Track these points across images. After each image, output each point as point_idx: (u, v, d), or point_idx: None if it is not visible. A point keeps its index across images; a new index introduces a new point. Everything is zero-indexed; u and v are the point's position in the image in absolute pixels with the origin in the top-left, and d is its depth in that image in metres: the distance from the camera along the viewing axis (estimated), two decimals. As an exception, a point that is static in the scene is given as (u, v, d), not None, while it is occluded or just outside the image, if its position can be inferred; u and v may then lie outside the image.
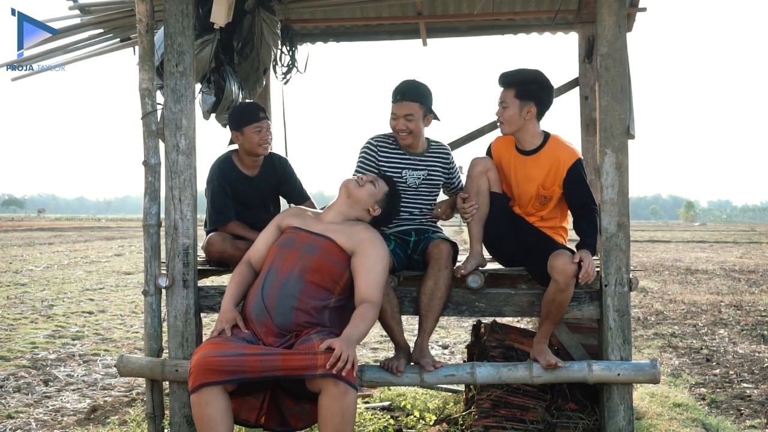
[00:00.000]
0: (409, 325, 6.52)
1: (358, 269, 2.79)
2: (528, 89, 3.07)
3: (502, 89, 3.14)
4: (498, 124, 3.17)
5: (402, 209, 3.25)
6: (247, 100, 3.59)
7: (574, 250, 3.03)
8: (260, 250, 2.96)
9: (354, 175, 3.20)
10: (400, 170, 3.28)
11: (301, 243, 2.84)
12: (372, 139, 3.36)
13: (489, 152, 3.28)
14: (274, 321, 2.70)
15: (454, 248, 3.16)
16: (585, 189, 3.11)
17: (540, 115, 3.13)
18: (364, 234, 2.88)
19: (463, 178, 3.39)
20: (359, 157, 3.33)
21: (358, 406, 3.23)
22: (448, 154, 3.44)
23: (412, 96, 3.18)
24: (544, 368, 3.03)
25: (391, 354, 3.25)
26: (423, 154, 3.33)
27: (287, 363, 2.48)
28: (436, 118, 3.29)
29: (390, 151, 3.31)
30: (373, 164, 3.30)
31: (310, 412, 2.72)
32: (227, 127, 3.58)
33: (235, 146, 3.54)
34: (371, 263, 2.80)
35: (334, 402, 2.45)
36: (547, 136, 3.15)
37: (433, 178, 3.34)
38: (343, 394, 2.45)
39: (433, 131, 3.44)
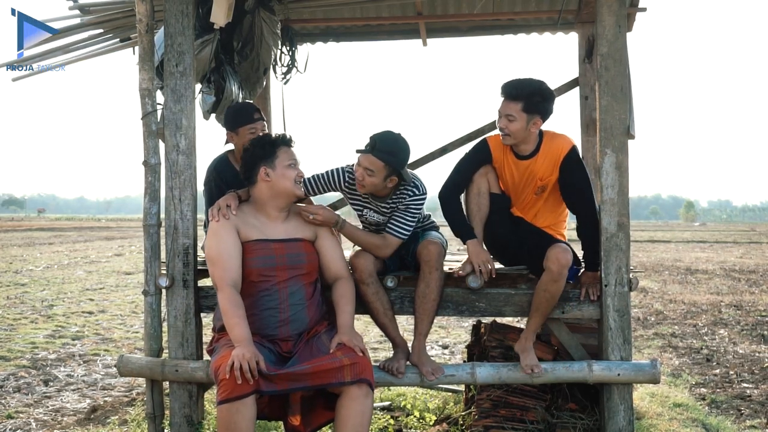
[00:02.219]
0: (410, 324, 6.53)
1: (324, 250, 2.95)
2: (535, 102, 3.04)
3: (505, 100, 3.08)
4: (501, 135, 3.13)
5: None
6: (243, 101, 3.56)
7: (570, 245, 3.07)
8: (238, 269, 2.74)
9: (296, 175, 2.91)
10: (361, 209, 3.22)
11: (281, 257, 2.79)
12: (346, 172, 3.13)
13: (486, 148, 3.25)
14: (290, 331, 2.78)
15: (444, 248, 3.14)
16: (583, 177, 3.12)
17: (543, 122, 3.13)
18: None
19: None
20: (329, 171, 3.16)
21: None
22: (407, 197, 3.07)
23: (381, 153, 2.91)
24: (522, 368, 3.05)
25: (390, 353, 3.25)
26: (386, 199, 3.11)
27: (316, 377, 2.57)
28: (402, 179, 3.00)
29: (355, 188, 3.14)
30: (330, 187, 3.17)
31: (314, 416, 2.77)
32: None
33: (232, 146, 3.54)
34: (330, 241, 2.97)
35: (355, 403, 2.56)
36: (540, 135, 3.16)
37: None
38: (364, 396, 2.57)
39: (429, 136, 3.30)
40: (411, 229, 3.10)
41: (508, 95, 3.07)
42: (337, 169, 3.16)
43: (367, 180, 2.96)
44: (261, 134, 3.40)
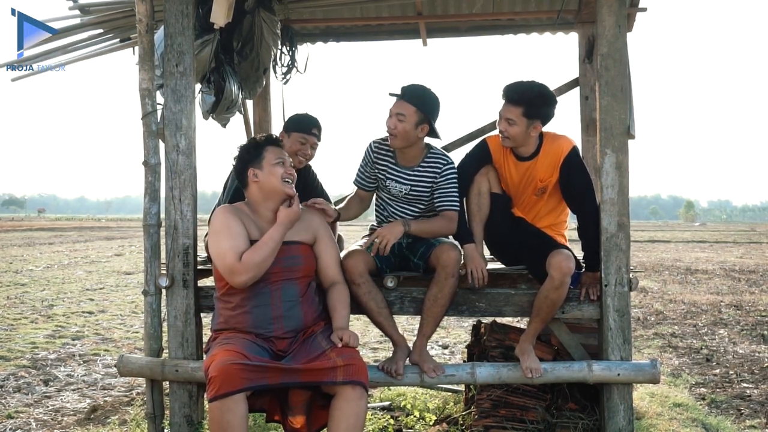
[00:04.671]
0: (410, 324, 6.53)
1: (322, 255, 2.95)
2: (536, 107, 3.04)
3: (506, 103, 3.07)
4: (501, 137, 3.14)
5: (388, 216, 3.32)
6: (309, 114, 3.54)
7: (572, 249, 3.06)
8: (245, 244, 2.74)
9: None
10: (384, 179, 3.28)
11: (278, 259, 2.77)
12: (373, 142, 3.32)
13: (486, 148, 3.26)
14: (285, 328, 2.76)
15: (460, 253, 3.15)
16: (584, 177, 3.12)
17: (543, 126, 3.13)
18: (315, 220, 2.98)
19: None
20: (361, 160, 3.36)
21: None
22: (442, 166, 3.18)
23: (412, 98, 3.06)
24: (522, 370, 3.05)
25: (390, 353, 3.25)
26: (413, 168, 3.20)
27: (307, 374, 2.57)
28: (434, 133, 3.13)
29: (383, 156, 3.28)
30: (368, 168, 3.33)
31: (314, 418, 2.77)
32: (226, 127, 3.58)
33: None
34: (329, 245, 2.97)
35: (349, 404, 2.55)
36: (540, 136, 3.16)
37: (417, 192, 3.22)
38: (359, 397, 2.56)
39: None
40: (458, 198, 3.18)
41: (509, 99, 3.06)
42: (366, 151, 3.32)
43: (400, 127, 3.04)
44: (309, 149, 3.44)
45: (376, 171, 3.31)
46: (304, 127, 3.44)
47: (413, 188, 3.22)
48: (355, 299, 3.06)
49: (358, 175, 3.37)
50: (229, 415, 2.44)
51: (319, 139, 3.49)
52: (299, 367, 2.56)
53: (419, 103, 3.06)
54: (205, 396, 3.47)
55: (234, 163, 2.92)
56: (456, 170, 3.19)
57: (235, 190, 3.30)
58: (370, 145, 3.31)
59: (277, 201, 2.85)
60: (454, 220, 3.16)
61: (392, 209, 3.31)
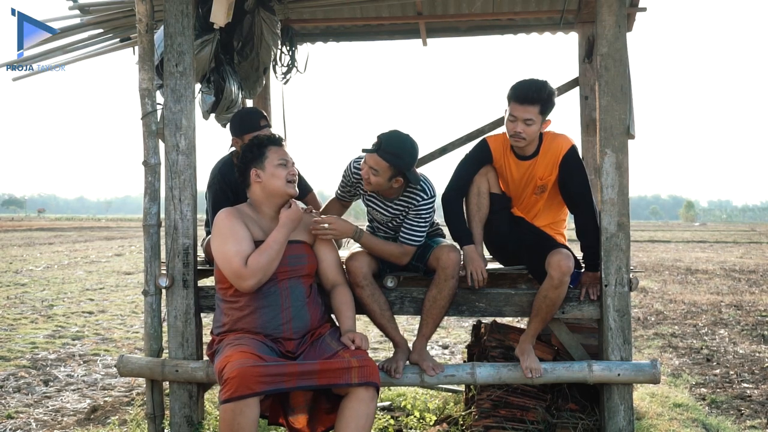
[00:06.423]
0: (410, 325, 6.53)
1: (321, 256, 2.97)
2: (548, 104, 3.03)
3: (521, 104, 3.00)
4: (515, 139, 3.06)
5: (377, 228, 3.30)
6: (249, 106, 3.52)
7: (571, 248, 3.06)
8: (250, 247, 2.76)
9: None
10: (368, 204, 3.25)
11: (284, 257, 2.78)
12: (354, 162, 3.19)
13: (486, 148, 3.25)
14: (293, 330, 2.76)
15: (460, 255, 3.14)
16: (582, 176, 3.12)
17: None
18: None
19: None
20: (344, 171, 3.27)
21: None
22: (417, 202, 3.05)
23: (386, 154, 2.89)
24: (522, 370, 3.05)
25: (391, 353, 3.25)
26: (393, 200, 3.12)
27: (324, 375, 2.56)
28: (408, 180, 2.98)
29: (362, 182, 3.16)
30: (349, 187, 3.28)
31: (318, 421, 2.77)
32: (227, 127, 3.58)
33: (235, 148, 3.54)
34: (328, 247, 2.99)
35: (360, 405, 2.57)
36: (540, 135, 3.16)
37: (399, 221, 3.17)
38: (370, 399, 2.58)
39: (429, 136, 3.25)
40: (424, 234, 3.09)
41: (526, 99, 2.99)
42: (346, 170, 3.24)
43: (373, 179, 2.97)
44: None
45: (358, 191, 3.28)
46: (253, 125, 3.36)
47: (394, 218, 3.18)
48: (358, 301, 3.06)
49: (339, 188, 3.34)
50: (241, 418, 2.43)
51: (269, 125, 3.44)
52: (315, 369, 2.55)
53: (394, 159, 2.89)
54: (205, 396, 3.48)
55: (238, 162, 2.91)
56: (430, 206, 3.07)
57: (213, 204, 3.34)
58: (350, 165, 3.21)
59: (280, 202, 2.86)
60: (407, 254, 3.10)
61: (377, 224, 3.30)
